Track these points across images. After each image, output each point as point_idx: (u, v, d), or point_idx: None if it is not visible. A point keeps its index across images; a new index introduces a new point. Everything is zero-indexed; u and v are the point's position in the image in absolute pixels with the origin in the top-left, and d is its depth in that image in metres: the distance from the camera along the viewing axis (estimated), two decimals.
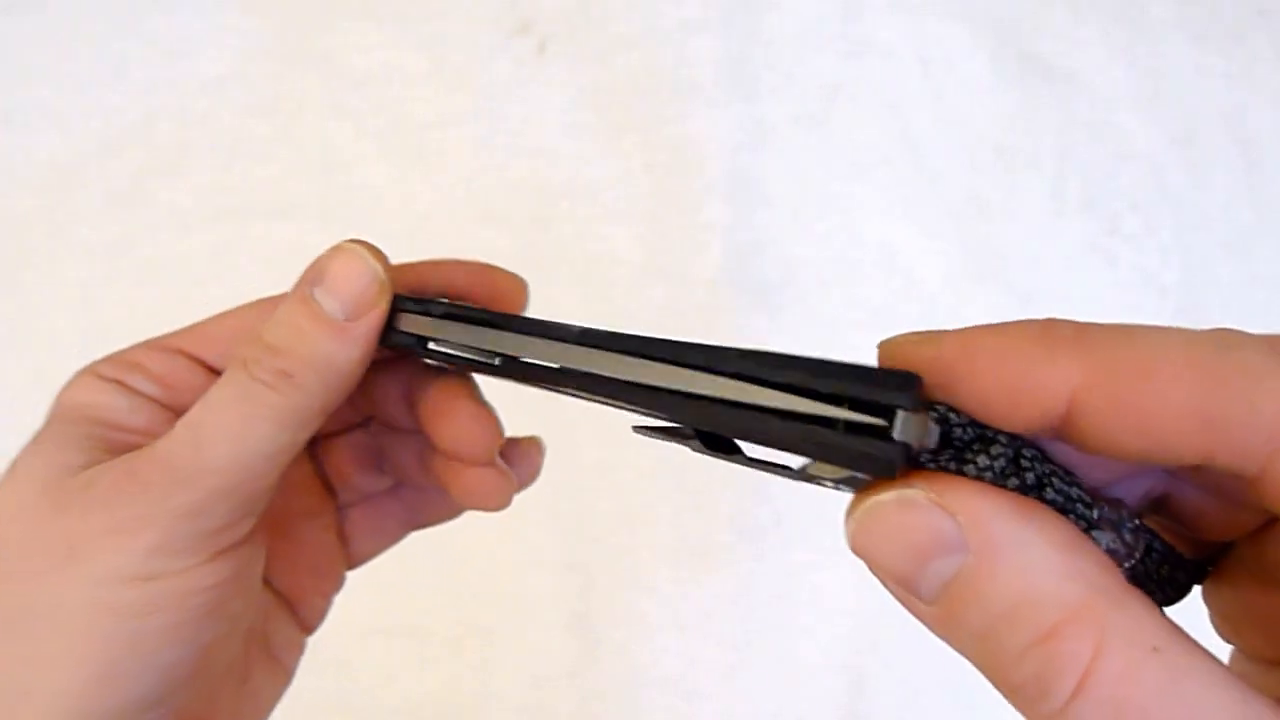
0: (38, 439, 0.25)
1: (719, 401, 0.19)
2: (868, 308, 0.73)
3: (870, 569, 0.18)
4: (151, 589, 0.22)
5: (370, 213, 0.73)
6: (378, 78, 0.76)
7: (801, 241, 0.74)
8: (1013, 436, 0.18)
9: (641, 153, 0.75)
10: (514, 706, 0.64)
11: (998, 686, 0.17)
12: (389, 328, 0.25)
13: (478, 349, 0.24)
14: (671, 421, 0.21)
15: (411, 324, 0.25)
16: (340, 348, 0.23)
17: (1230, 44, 0.79)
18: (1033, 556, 0.16)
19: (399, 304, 0.25)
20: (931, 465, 0.18)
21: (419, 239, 0.73)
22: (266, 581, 0.29)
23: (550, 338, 0.23)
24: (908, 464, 0.18)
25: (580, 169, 0.74)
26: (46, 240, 0.73)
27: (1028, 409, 0.17)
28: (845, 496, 0.19)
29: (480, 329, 0.24)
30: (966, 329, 0.19)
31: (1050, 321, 0.18)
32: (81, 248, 0.72)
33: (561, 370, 0.23)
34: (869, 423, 0.18)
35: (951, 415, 0.18)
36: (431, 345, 0.25)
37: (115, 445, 0.24)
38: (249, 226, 0.73)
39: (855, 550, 0.18)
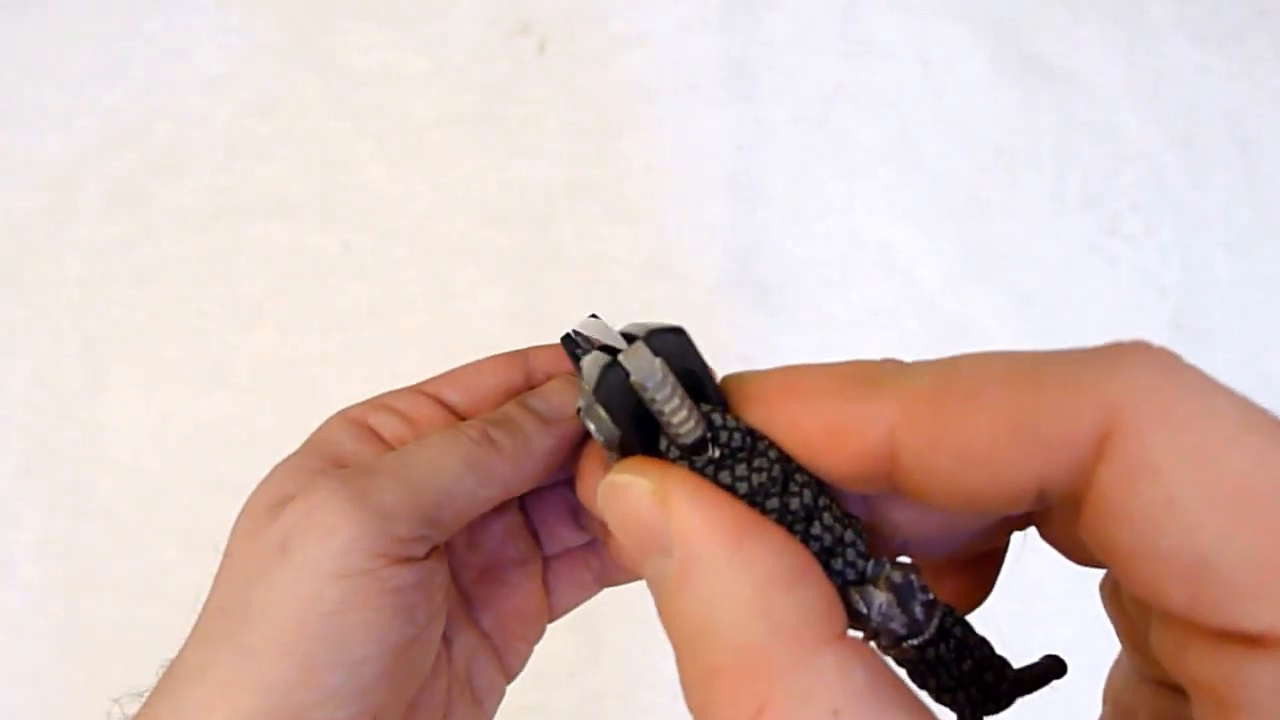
0: (273, 472, 0.28)
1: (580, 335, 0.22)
2: (868, 308, 0.73)
3: (617, 550, 0.18)
4: (346, 585, 0.24)
5: (370, 213, 0.73)
6: (378, 78, 0.76)
7: (801, 241, 0.74)
8: (787, 457, 0.17)
9: (641, 153, 0.75)
10: (514, 706, 0.63)
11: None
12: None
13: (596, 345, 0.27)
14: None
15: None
16: (538, 433, 0.28)
17: (1230, 44, 0.79)
18: (726, 585, 0.15)
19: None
20: (684, 464, 0.17)
21: (419, 239, 0.73)
22: (475, 624, 0.31)
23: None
24: (630, 436, 0.18)
25: (580, 169, 0.74)
26: (46, 240, 0.73)
27: (846, 449, 0.16)
28: None
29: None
30: (790, 367, 0.18)
31: (878, 361, 0.17)
32: (81, 248, 0.72)
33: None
34: (611, 345, 0.19)
35: (716, 417, 0.17)
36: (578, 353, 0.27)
37: None
38: (249, 226, 0.73)
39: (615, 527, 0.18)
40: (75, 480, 0.67)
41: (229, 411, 0.69)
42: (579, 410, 0.19)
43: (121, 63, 0.76)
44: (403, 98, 0.76)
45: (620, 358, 0.18)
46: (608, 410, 0.18)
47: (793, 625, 0.15)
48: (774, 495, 0.17)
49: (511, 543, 0.32)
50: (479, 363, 0.31)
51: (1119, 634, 0.19)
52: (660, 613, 0.16)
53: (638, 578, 0.32)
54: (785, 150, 0.76)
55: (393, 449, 0.28)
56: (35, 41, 0.77)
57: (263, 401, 0.69)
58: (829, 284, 0.73)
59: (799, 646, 0.15)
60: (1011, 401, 0.15)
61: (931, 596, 0.18)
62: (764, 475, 0.17)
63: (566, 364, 0.30)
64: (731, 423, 0.17)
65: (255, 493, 0.28)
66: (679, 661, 0.16)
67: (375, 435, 0.29)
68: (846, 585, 0.17)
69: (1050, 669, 0.19)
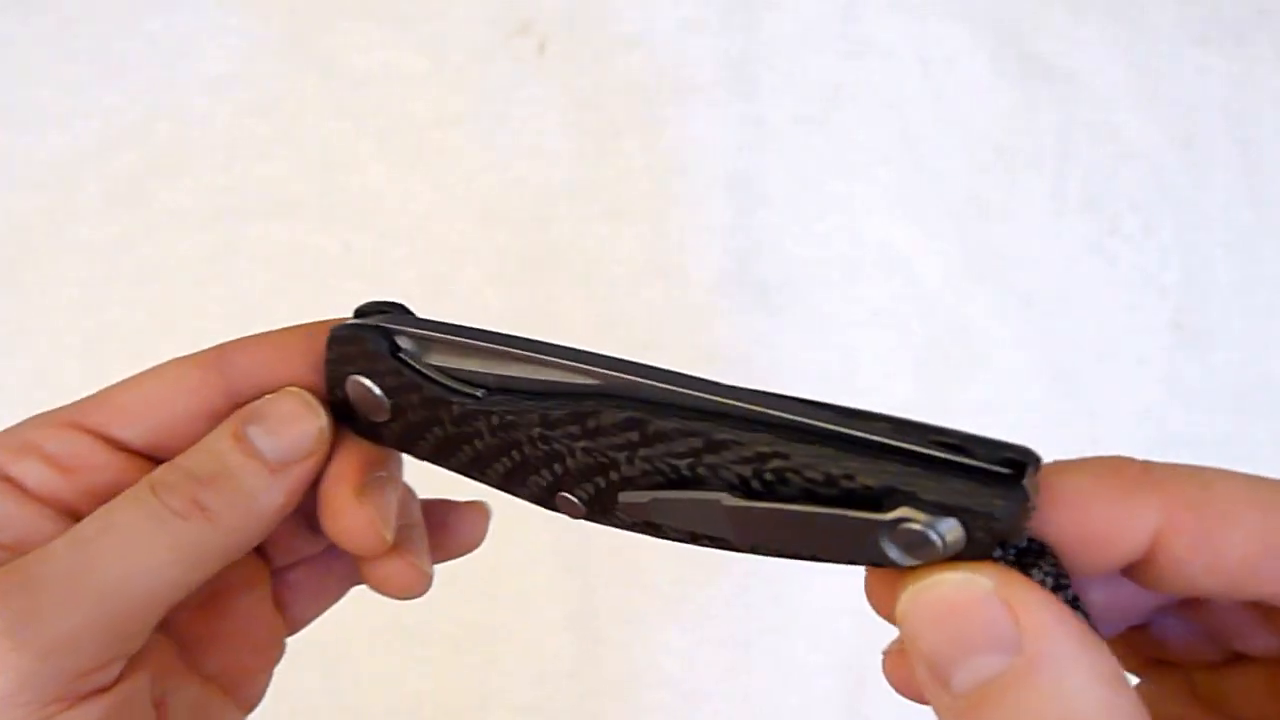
0: None
1: (826, 434, 0.19)
2: (868, 308, 0.73)
3: (907, 642, 0.18)
4: None
5: (370, 213, 0.73)
6: (378, 78, 0.76)
7: (801, 241, 0.74)
8: (1057, 556, 0.18)
9: (641, 153, 0.75)
10: (514, 706, 0.64)
11: None
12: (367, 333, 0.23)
13: (460, 372, 0.22)
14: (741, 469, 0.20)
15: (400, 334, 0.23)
16: (266, 489, 0.21)
17: (1231, 44, 0.79)
18: (1080, 682, 0.16)
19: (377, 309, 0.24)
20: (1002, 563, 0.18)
21: (419, 239, 0.73)
22: (198, 671, 0.25)
23: (576, 362, 0.21)
24: (987, 548, 0.17)
25: (580, 169, 0.74)
26: (46, 240, 0.73)
27: (1114, 554, 0.18)
28: None
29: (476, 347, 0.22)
30: (1050, 467, 0.18)
31: (1118, 462, 0.18)
32: (81, 248, 0.72)
33: (598, 394, 0.21)
34: (995, 470, 0.17)
35: None
36: (403, 355, 0.22)
37: None
38: (249, 226, 0.73)
39: (900, 619, 0.18)
40: None
41: None
42: (886, 523, 0.18)
43: (121, 63, 0.76)
44: (403, 98, 0.76)
45: (1026, 482, 0.17)
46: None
47: None
48: (1062, 589, 0.18)
49: (233, 569, 0.25)
50: (152, 376, 0.24)
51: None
52: (977, 709, 0.16)
53: (374, 580, 0.26)
54: (785, 150, 0.75)
55: (60, 506, 0.21)
56: (35, 41, 0.77)
57: None
58: (829, 284, 0.73)
59: None
60: (1267, 526, 0.17)
61: None
62: (1054, 573, 0.18)
63: (280, 368, 0.23)
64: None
65: None
66: None
67: (20, 490, 0.21)
68: None
69: None
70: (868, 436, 0.18)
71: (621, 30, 0.77)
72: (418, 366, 0.22)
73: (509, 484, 0.23)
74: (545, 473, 0.22)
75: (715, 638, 0.66)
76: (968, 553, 0.17)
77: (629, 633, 0.65)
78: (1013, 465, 0.17)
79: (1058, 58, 0.78)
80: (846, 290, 0.73)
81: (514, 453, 0.23)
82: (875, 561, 0.19)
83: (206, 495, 0.21)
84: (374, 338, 0.22)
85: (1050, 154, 0.76)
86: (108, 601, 0.19)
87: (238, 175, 0.74)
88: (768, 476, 0.19)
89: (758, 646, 0.66)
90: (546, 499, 0.23)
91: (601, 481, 0.22)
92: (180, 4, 0.78)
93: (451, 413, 0.22)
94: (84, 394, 0.26)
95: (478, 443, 0.23)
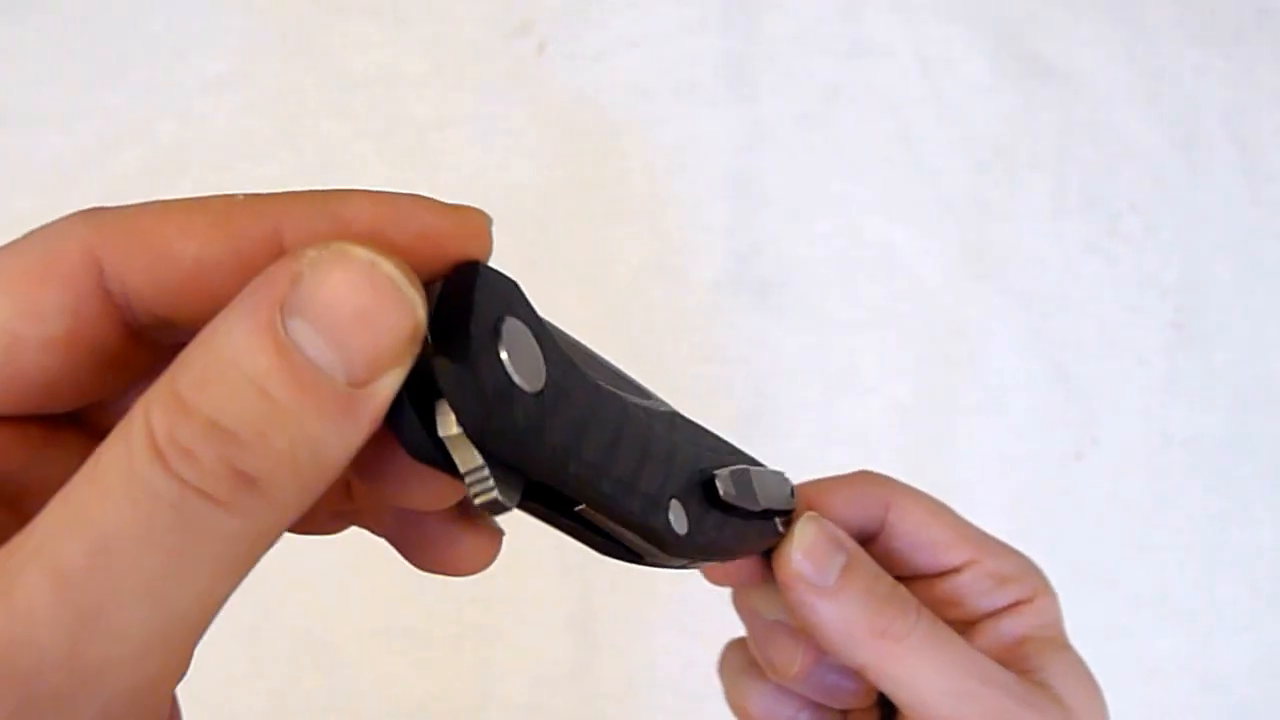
0: None
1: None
2: (868, 308, 0.73)
3: (799, 573, 0.29)
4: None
5: None
6: (378, 78, 0.76)
7: (801, 241, 0.74)
8: None
9: (641, 153, 0.75)
10: (514, 707, 0.64)
11: (802, 588, 0.29)
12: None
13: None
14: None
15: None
16: (338, 431, 0.13)
17: (1230, 44, 0.79)
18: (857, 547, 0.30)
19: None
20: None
21: None
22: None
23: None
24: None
25: (580, 169, 0.74)
26: None
27: None
28: None
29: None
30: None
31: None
32: None
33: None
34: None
35: None
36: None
37: None
38: None
39: (797, 554, 0.29)
40: None
41: None
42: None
43: (121, 63, 0.76)
44: (403, 98, 0.76)
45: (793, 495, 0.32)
46: None
47: None
48: None
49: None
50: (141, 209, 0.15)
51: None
52: (844, 586, 0.29)
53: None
54: (785, 150, 0.76)
55: None
56: (35, 42, 0.77)
57: None
58: (829, 284, 0.73)
59: None
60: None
61: None
62: None
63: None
64: None
65: None
66: (848, 598, 0.29)
67: None
68: None
69: None
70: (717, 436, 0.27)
71: (621, 30, 0.77)
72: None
73: (622, 493, 0.19)
74: (664, 469, 0.21)
75: (715, 638, 0.66)
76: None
77: (629, 634, 0.65)
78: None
79: (1058, 58, 0.78)
80: (846, 290, 0.73)
81: (643, 445, 0.20)
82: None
83: (251, 459, 0.12)
84: (519, 288, 0.17)
85: (1050, 154, 0.76)
86: (129, 678, 0.12)
87: (238, 175, 0.74)
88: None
89: None
90: (658, 507, 0.20)
91: (698, 474, 0.25)
92: (180, 4, 0.78)
93: (590, 396, 0.18)
94: None
95: (615, 431, 0.18)
